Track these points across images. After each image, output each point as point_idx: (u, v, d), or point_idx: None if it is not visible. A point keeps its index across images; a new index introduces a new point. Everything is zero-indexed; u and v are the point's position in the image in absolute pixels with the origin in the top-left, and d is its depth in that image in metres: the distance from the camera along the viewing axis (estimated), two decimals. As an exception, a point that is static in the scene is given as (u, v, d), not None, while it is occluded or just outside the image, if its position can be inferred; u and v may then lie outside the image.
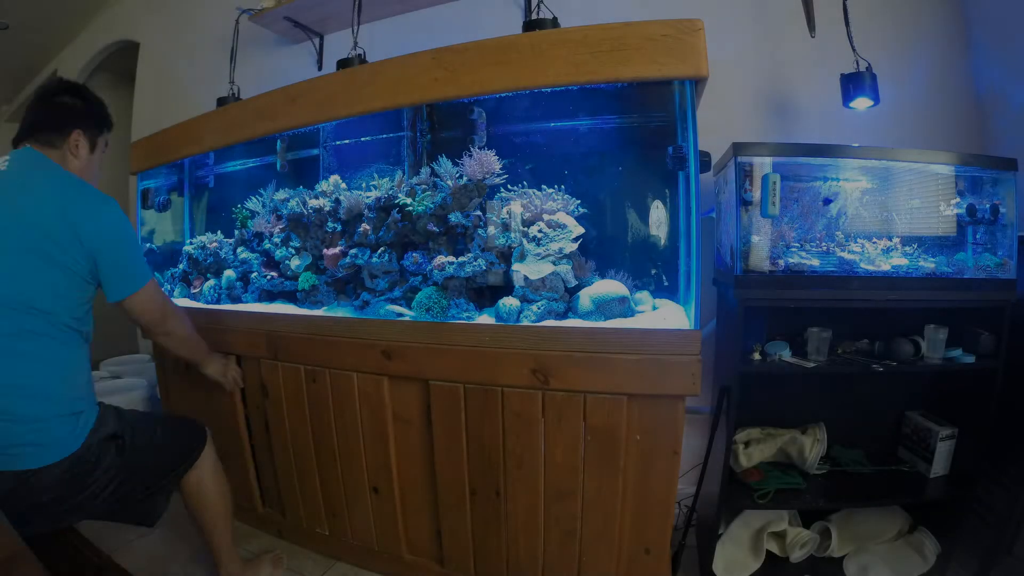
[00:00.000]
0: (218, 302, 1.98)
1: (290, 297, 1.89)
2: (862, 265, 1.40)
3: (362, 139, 1.98)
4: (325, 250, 1.78)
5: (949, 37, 1.77)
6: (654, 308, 1.50)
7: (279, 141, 2.08)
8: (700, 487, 1.65)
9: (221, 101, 2.27)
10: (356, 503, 1.65)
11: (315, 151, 2.05)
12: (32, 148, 1.24)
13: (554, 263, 1.44)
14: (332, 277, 1.78)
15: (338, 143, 2.01)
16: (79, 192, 1.20)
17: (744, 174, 1.40)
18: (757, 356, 1.47)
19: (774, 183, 1.35)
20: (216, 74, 2.80)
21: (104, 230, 1.18)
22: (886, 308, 1.39)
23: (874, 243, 1.44)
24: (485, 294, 1.58)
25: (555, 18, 1.58)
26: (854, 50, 1.62)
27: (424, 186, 1.64)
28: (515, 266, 1.45)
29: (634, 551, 1.36)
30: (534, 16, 1.71)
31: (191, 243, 2.17)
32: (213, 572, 1.65)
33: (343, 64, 1.84)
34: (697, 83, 1.27)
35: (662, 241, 1.70)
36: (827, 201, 1.46)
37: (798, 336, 1.51)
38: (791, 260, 1.41)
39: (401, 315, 1.53)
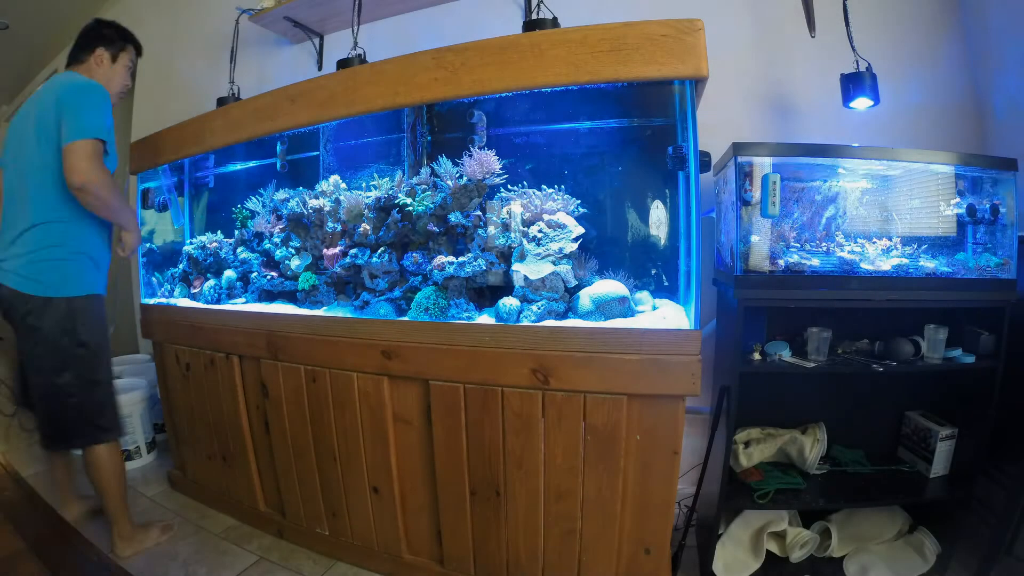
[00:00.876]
0: (218, 302, 1.98)
1: (290, 297, 1.89)
2: (862, 265, 1.40)
3: (362, 139, 1.99)
4: (325, 250, 1.78)
5: (949, 37, 1.77)
6: (654, 308, 1.50)
7: (279, 143, 2.08)
8: (700, 487, 1.65)
9: (221, 101, 2.27)
10: (356, 503, 1.65)
11: (315, 151, 2.05)
12: (66, 71, 1.65)
13: (554, 263, 1.44)
14: (332, 277, 1.78)
15: (338, 143, 2.01)
16: (72, 78, 1.59)
17: (744, 174, 1.40)
18: (757, 356, 1.47)
19: (774, 183, 1.35)
20: (216, 74, 2.80)
21: (72, 88, 1.54)
22: (886, 308, 1.39)
23: (874, 243, 1.44)
24: (485, 294, 1.58)
25: (555, 18, 1.58)
26: (854, 50, 1.62)
27: (424, 186, 1.64)
28: (515, 266, 1.45)
29: (634, 551, 1.37)
30: (534, 16, 1.71)
31: (191, 243, 2.17)
32: (213, 572, 1.66)
33: (343, 64, 1.83)
34: (697, 83, 1.27)
35: (662, 241, 1.70)
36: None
37: (798, 336, 1.51)
38: (791, 260, 1.41)
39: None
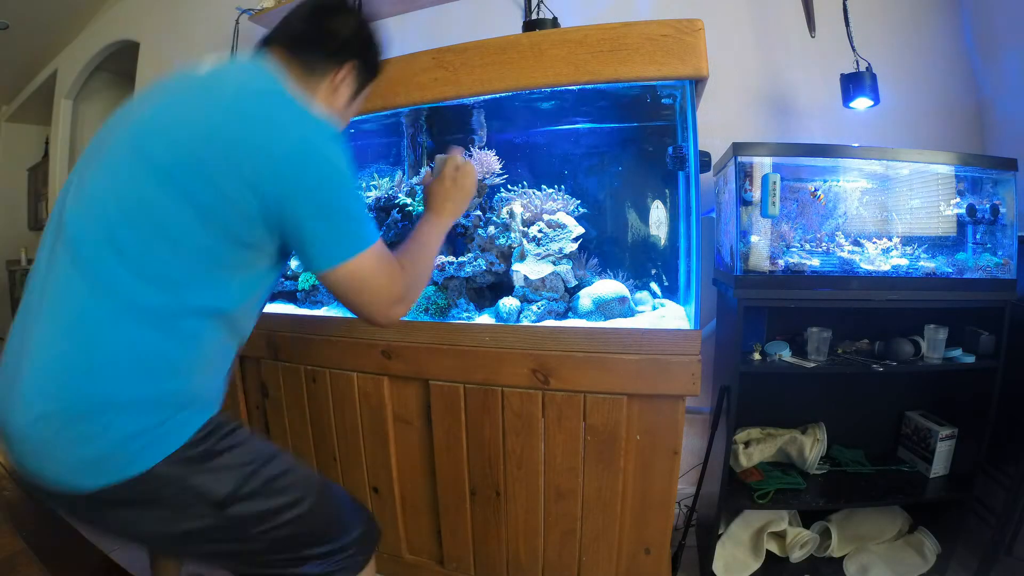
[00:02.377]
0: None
1: (290, 297, 1.89)
2: (862, 265, 1.40)
3: (362, 139, 1.98)
4: (325, 250, 1.78)
5: (949, 37, 1.77)
6: (654, 308, 1.50)
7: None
8: (700, 487, 1.65)
9: (221, 101, 2.26)
10: (356, 503, 1.65)
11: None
12: (274, 58, 0.88)
13: (554, 263, 1.44)
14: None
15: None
16: (310, 125, 0.79)
17: (744, 174, 1.40)
18: (757, 356, 1.47)
19: (774, 183, 1.35)
20: (216, 74, 2.80)
21: (322, 154, 0.78)
22: (886, 308, 1.39)
23: (874, 243, 1.44)
24: (485, 294, 1.58)
25: (555, 18, 1.58)
26: (854, 50, 1.62)
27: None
28: (515, 266, 1.45)
29: (634, 551, 1.37)
30: (534, 16, 1.72)
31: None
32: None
33: (343, 64, 1.83)
34: (697, 83, 1.28)
35: (662, 241, 1.70)
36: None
37: (798, 336, 1.51)
38: (791, 260, 1.41)
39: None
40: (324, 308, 1.74)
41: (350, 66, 0.95)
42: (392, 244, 1.64)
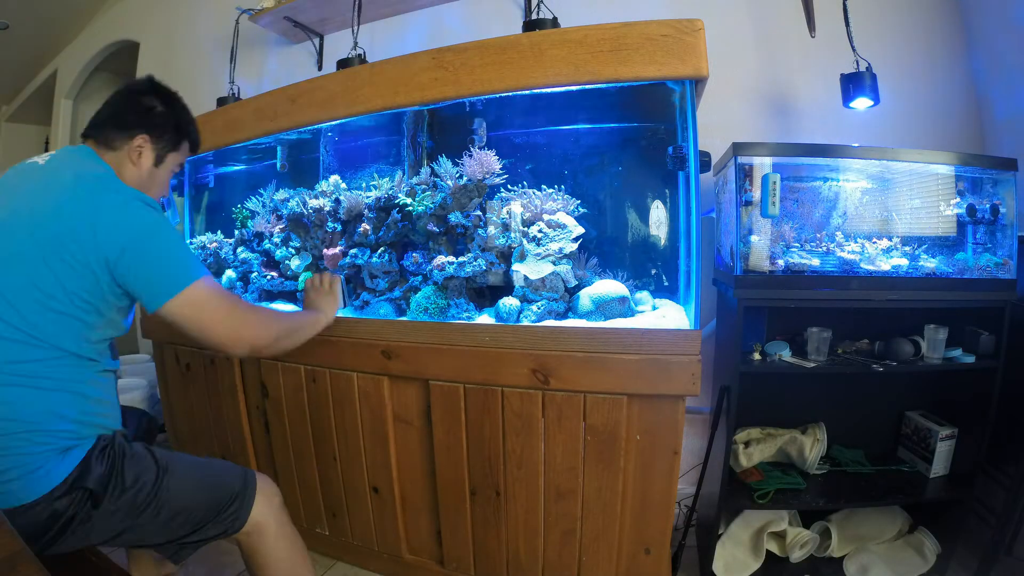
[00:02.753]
0: (218, 302, 1.98)
1: (290, 297, 1.89)
2: (862, 265, 1.40)
3: (362, 139, 1.99)
4: (325, 250, 1.78)
5: (949, 36, 1.77)
6: (654, 308, 1.50)
7: (279, 149, 2.08)
8: (700, 487, 1.65)
9: (221, 101, 2.27)
10: (356, 503, 1.65)
11: (316, 151, 2.05)
12: (88, 146, 1.08)
13: (554, 263, 1.44)
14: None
15: (338, 142, 2.01)
16: (103, 190, 0.99)
17: (744, 174, 1.40)
18: (757, 356, 1.47)
19: (774, 183, 1.35)
20: (216, 74, 2.80)
21: (125, 229, 0.96)
22: (886, 308, 1.39)
23: (874, 243, 1.44)
24: (485, 294, 1.58)
25: (555, 18, 1.58)
26: (854, 50, 1.62)
27: (424, 186, 1.64)
28: (515, 266, 1.45)
29: (634, 551, 1.37)
30: (534, 16, 1.71)
31: (191, 243, 2.17)
32: (213, 573, 1.66)
33: (343, 64, 1.84)
34: (697, 83, 1.28)
35: (662, 241, 1.70)
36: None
37: (798, 336, 1.51)
38: (791, 260, 1.41)
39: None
40: (324, 308, 1.74)
41: (142, 139, 1.10)
42: (391, 244, 1.66)
